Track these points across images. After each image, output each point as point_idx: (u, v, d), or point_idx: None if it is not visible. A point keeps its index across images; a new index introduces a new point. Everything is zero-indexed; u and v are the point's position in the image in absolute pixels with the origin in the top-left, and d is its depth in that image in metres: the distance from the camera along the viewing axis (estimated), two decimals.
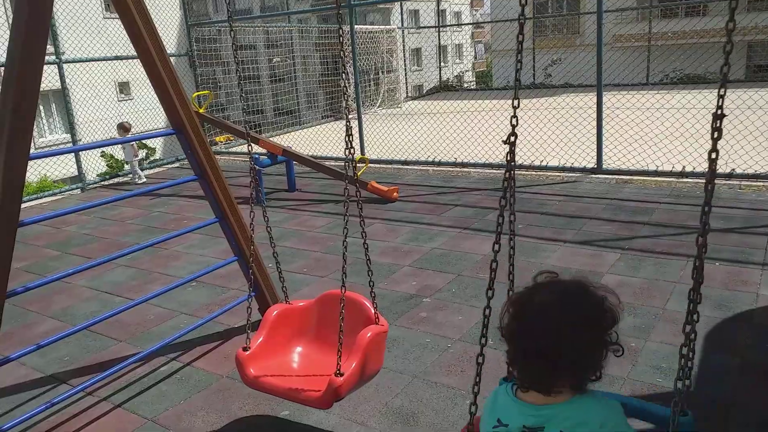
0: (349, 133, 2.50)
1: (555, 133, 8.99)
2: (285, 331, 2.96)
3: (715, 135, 1.35)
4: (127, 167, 9.83)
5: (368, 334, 2.58)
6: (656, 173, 7.18)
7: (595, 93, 7.43)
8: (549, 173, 7.83)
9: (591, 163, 7.65)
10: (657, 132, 8.80)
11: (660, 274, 4.48)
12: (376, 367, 2.69)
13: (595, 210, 6.17)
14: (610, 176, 7.41)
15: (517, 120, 1.76)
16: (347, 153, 2.49)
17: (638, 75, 16.85)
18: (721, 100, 1.34)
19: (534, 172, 7.93)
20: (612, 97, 9.39)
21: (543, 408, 1.42)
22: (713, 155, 1.37)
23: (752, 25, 20.87)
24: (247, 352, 2.77)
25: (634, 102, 9.63)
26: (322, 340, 2.91)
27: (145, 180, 9.44)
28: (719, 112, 1.34)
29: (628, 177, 7.30)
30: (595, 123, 7.52)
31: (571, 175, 7.67)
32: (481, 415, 1.64)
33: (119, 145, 9.28)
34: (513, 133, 1.75)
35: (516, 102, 1.78)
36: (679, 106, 9.15)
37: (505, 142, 1.76)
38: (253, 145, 7.93)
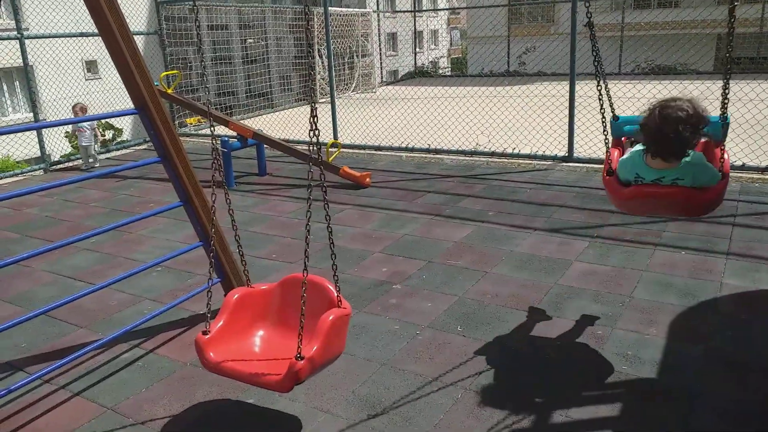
0: (313, 114, 2.42)
1: (527, 121, 9.00)
2: (246, 315, 2.90)
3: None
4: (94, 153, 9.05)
5: (330, 317, 2.54)
6: None
7: (568, 82, 7.44)
8: (520, 161, 7.85)
9: (562, 152, 7.69)
10: None
11: (628, 263, 4.52)
12: (337, 351, 2.66)
13: (565, 198, 6.20)
14: (580, 165, 7.46)
15: None
16: (311, 135, 2.41)
17: (610, 64, 16.98)
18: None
19: (506, 160, 7.94)
20: (585, 86, 9.43)
21: (663, 171, 2.85)
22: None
23: (722, 17, 21.18)
24: (207, 336, 2.70)
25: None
26: (284, 324, 2.86)
27: (98, 165, 8.88)
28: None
29: (598, 166, 7.35)
30: (567, 111, 7.55)
31: (542, 163, 7.70)
32: (619, 168, 3.05)
33: (77, 130, 8.67)
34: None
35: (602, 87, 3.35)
36: (649, 96, 9.23)
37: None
38: (223, 127, 7.78)
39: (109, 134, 12.18)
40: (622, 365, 3.21)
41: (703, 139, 2.99)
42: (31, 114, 8.91)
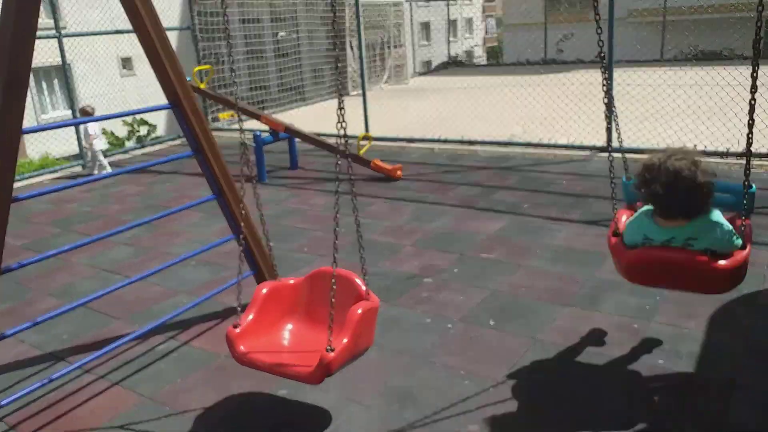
0: (340, 106, 2.41)
1: (564, 110, 8.82)
2: (275, 308, 2.92)
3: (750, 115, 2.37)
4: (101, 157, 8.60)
5: (359, 310, 2.55)
6: None
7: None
8: (557, 151, 7.70)
9: (600, 141, 7.51)
10: (669, 109, 8.61)
11: None
12: (366, 343, 2.67)
13: (603, 189, 6.05)
14: (619, 155, 7.26)
15: None
16: (339, 128, 2.41)
17: (652, 51, 16.53)
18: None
19: (542, 150, 7.81)
20: (624, 73, 9.20)
21: (674, 230, 2.50)
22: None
23: None
24: (238, 330, 2.74)
25: (646, 78, 9.44)
26: (313, 317, 2.88)
27: (110, 170, 8.32)
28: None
29: (638, 155, 7.12)
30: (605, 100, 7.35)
31: (579, 153, 7.54)
32: (626, 230, 2.73)
33: (86, 133, 8.33)
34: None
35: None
36: (692, 83, 8.94)
37: None
38: (255, 121, 7.84)
39: (143, 130, 12.43)
40: (658, 359, 3.12)
41: (730, 214, 2.63)
42: (69, 111, 9.13)
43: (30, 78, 2.75)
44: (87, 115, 8.40)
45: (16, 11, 2.62)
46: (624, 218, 2.86)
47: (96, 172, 8.43)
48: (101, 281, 4.70)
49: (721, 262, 2.41)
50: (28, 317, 4.12)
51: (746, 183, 2.47)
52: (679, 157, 2.46)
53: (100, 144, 8.57)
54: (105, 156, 8.71)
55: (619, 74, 7.43)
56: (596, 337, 3.40)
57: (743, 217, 2.52)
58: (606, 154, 7.23)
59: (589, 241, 4.74)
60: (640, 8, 21.42)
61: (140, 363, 3.50)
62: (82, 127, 8.50)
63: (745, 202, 2.49)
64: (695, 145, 6.84)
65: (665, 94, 8.66)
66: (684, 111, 8.39)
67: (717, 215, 2.48)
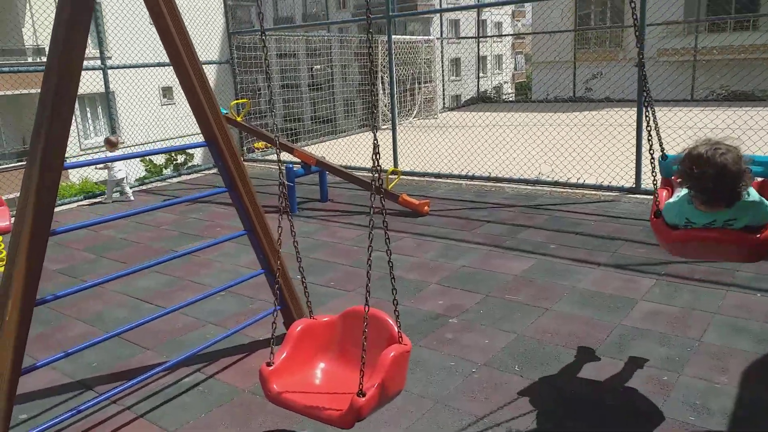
0: (376, 152, 2.48)
1: (593, 149, 8.81)
2: (309, 347, 2.94)
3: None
4: (116, 187, 8.89)
5: (391, 354, 2.55)
6: None
7: (636, 109, 7.25)
8: (585, 191, 7.67)
9: (629, 183, 7.46)
10: None
11: (697, 303, 4.32)
12: (398, 388, 2.66)
13: (631, 232, 6.00)
14: (648, 197, 7.21)
15: None
16: (373, 171, 2.47)
17: (683, 91, 16.42)
18: None
19: (570, 190, 7.78)
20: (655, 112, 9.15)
21: (715, 214, 2.65)
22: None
23: None
24: (271, 368, 2.76)
25: (676, 120, 9.37)
26: (346, 357, 2.89)
27: (132, 199, 8.77)
28: None
29: None
30: (634, 140, 7.34)
31: (608, 194, 7.49)
32: (666, 212, 2.86)
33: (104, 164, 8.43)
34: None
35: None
36: (723, 126, 8.85)
37: None
38: (287, 154, 7.99)
39: (180, 158, 12.75)
40: (689, 415, 3.05)
41: (758, 179, 2.82)
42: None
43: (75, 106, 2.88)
44: (111, 145, 8.63)
45: (63, 46, 2.77)
46: (664, 195, 3.07)
47: (111, 200, 8.73)
48: (132, 309, 4.80)
49: (761, 236, 2.65)
50: (59, 343, 4.24)
51: None
52: (724, 150, 2.55)
53: (122, 173, 8.78)
54: (142, 183, 8.97)
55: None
56: (623, 389, 3.34)
57: None
58: (635, 196, 7.20)
59: (617, 286, 4.69)
60: (670, 48, 21.40)
61: (166, 395, 3.55)
62: (101, 155, 8.71)
63: None
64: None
65: (696, 137, 8.58)
66: None
67: (753, 194, 2.64)
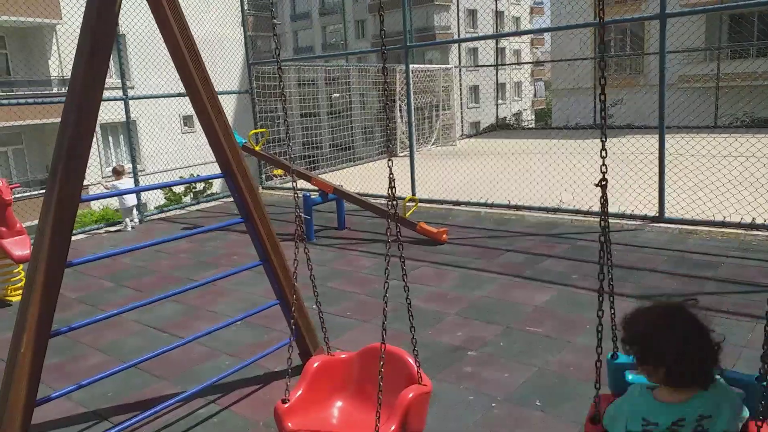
0: (391, 186, 2.44)
1: (615, 177, 8.69)
2: (325, 385, 2.87)
3: None
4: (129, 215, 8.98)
5: (410, 395, 2.47)
6: (723, 224, 6.79)
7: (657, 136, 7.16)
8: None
9: (652, 211, 7.33)
10: (725, 180, 8.38)
11: (726, 336, 4.16)
12: (417, 430, 2.57)
13: (656, 262, 5.86)
14: (672, 226, 7.06)
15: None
16: (389, 203, 2.43)
17: (706, 118, 16.25)
18: None
19: (591, 218, 7.65)
20: (678, 140, 9.04)
21: (682, 405, 1.80)
22: None
23: None
24: (286, 405, 2.69)
25: (699, 149, 9.25)
26: (363, 396, 2.81)
27: (129, 230, 8.80)
28: None
29: (692, 227, 6.93)
30: (657, 168, 7.23)
31: (631, 222, 7.35)
32: (612, 415, 1.98)
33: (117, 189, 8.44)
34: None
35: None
36: (748, 155, 8.70)
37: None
38: (305, 182, 8.01)
39: (200, 186, 12.88)
40: None
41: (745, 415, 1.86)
42: (130, 165, 9.55)
43: (96, 135, 2.91)
44: (118, 174, 8.87)
45: (82, 83, 2.80)
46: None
47: (129, 227, 8.83)
48: (148, 339, 4.78)
49: None
50: (75, 373, 4.22)
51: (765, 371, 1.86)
52: (682, 305, 1.89)
53: (132, 200, 8.94)
54: (161, 210, 9.04)
55: (673, 141, 7.28)
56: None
57: (760, 421, 1.85)
58: (658, 225, 7.06)
59: None
60: (692, 74, 21.27)
61: (180, 426, 3.50)
62: (110, 184, 8.90)
63: (763, 401, 1.85)
64: (748, 216, 6.59)
65: (720, 165, 8.45)
66: (741, 182, 8.13)
67: (725, 385, 1.86)
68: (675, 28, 12.24)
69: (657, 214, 7.24)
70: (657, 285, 5.24)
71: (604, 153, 2.18)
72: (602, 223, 2.21)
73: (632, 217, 7.43)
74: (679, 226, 7.01)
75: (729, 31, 22.26)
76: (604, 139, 2.19)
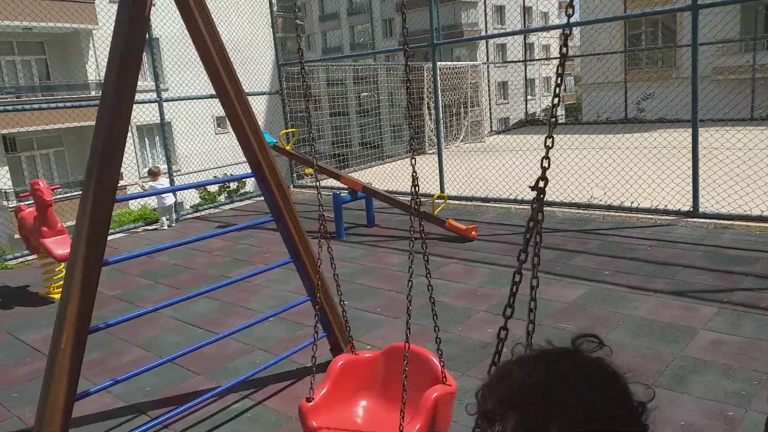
0: (415, 184, 2.47)
1: (647, 172, 8.56)
2: (350, 383, 2.90)
3: None
4: (166, 214, 9.23)
5: (434, 395, 2.47)
6: (761, 218, 6.63)
7: (690, 129, 7.02)
8: (640, 215, 7.43)
9: (686, 206, 7.19)
10: (762, 173, 8.17)
11: (763, 333, 4.08)
12: (442, 430, 2.58)
13: (690, 257, 5.76)
14: (707, 220, 6.92)
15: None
16: (413, 200, 2.46)
17: (741, 110, 15.82)
18: None
19: (624, 214, 7.56)
20: (712, 133, 8.83)
21: None
22: None
23: None
24: (311, 404, 2.72)
25: (734, 142, 9.03)
26: (387, 395, 2.83)
27: (165, 228, 9.05)
28: None
29: (728, 222, 6.78)
30: (690, 162, 7.09)
31: (664, 218, 7.24)
32: None
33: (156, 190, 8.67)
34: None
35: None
36: None
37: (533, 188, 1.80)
38: (335, 180, 8.08)
39: (233, 185, 13.09)
40: None
41: None
42: (166, 166, 9.76)
43: (129, 137, 3.01)
44: (153, 175, 9.02)
45: (114, 93, 2.90)
46: None
47: (165, 226, 9.06)
48: (184, 335, 4.90)
49: None
50: (114, 368, 4.35)
51: None
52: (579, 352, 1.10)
53: (171, 199, 9.14)
54: (196, 210, 9.23)
55: (707, 135, 7.13)
56: (684, 424, 3.17)
57: None
58: (693, 220, 6.93)
59: (674, 315, 4.49)
60: (726, 66, 20.71)
61: (215, 421, 3.58)
62: (148, 185, 9.08)
63: None
64: None
65: (756, 158, 8.23)
66: None
67: None
68: (708, 19, 11.92)
69: (691, 209, 7.11)
70: (691, 280, 5.15)
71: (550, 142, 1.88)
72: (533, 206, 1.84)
73: (665, 212, 7.31)
74: (714, 221, 6.87)
75: (765, 21, 21.62)
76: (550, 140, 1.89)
